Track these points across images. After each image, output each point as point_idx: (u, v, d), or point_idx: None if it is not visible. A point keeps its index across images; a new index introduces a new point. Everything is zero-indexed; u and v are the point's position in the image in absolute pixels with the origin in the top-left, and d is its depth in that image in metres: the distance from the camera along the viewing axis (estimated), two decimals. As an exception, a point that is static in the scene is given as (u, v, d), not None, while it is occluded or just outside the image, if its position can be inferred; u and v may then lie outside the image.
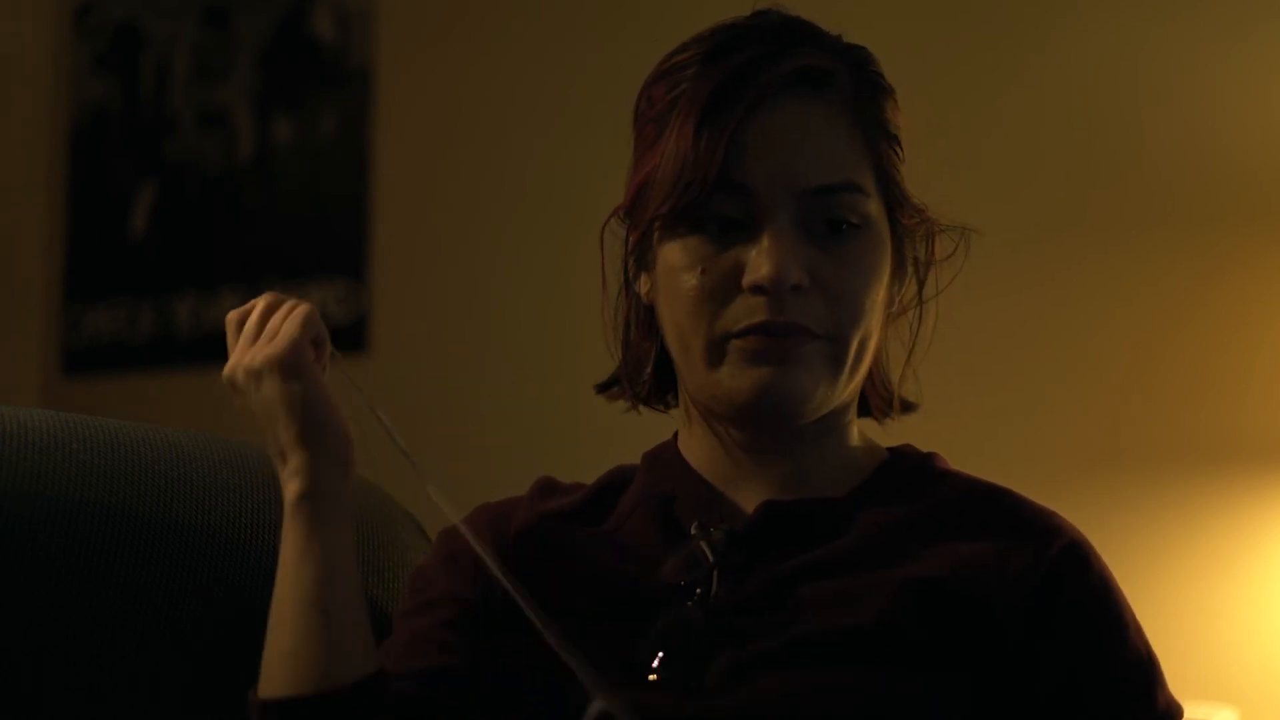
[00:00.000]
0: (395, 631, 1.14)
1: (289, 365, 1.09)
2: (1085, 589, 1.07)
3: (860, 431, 1.18)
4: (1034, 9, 2.38)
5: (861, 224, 1.09)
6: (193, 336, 3.14)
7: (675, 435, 1.20)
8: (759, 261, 1.06)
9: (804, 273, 1.06)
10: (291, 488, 1.08)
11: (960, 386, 2.26)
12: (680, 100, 1.09)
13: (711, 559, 1.09)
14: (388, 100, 2.99)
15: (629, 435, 1.24)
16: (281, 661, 1.05)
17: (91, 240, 3.31)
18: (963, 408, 2.23)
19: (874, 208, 1.10)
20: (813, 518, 1.11)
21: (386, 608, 1.23)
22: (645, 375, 1.18)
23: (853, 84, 1.12)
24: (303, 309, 1.11)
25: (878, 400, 1.19)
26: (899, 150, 1.14)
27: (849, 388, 1.11)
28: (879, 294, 1.11)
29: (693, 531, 1.11)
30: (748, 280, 1.06)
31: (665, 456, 1.18)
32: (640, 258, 1.15)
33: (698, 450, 1.16)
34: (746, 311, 1.07)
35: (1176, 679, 1.09)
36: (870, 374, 1.16)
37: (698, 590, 1.08)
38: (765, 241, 1.06)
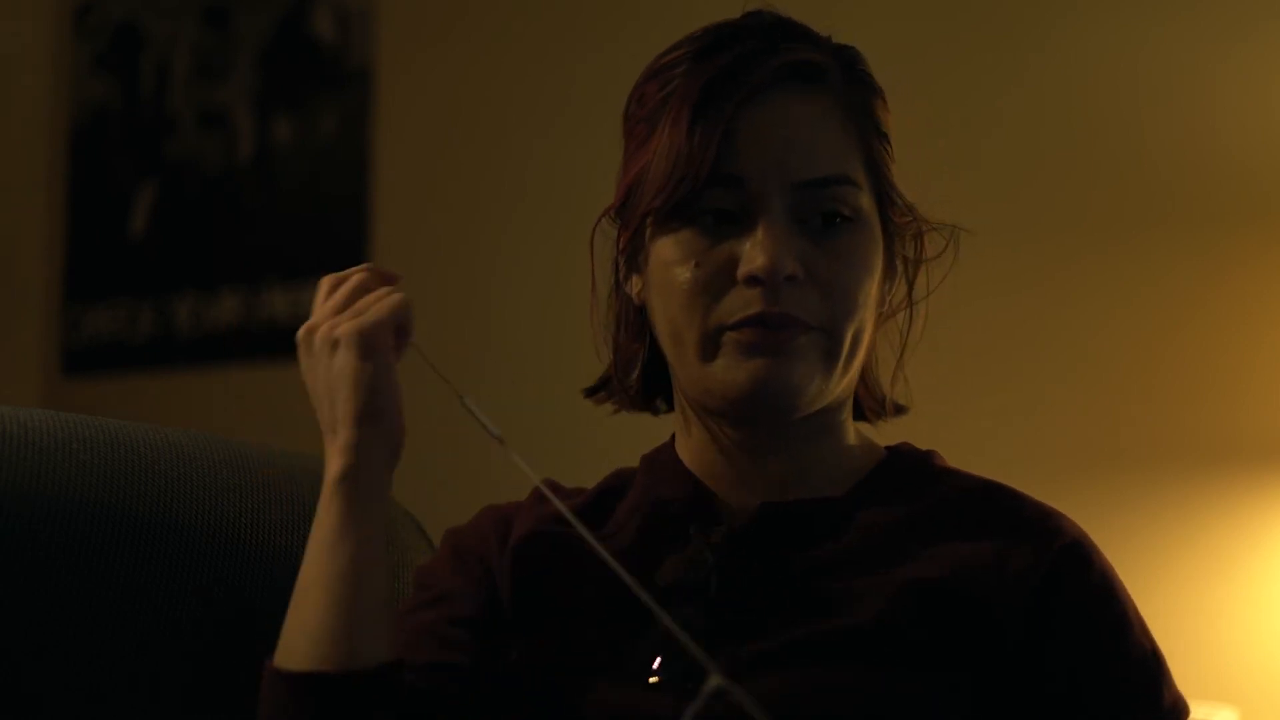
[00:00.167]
0: (400, 626, 1.14)
1: (368, 344, 1.07)
2: (1087, 588, 1.07)
3: (857, 430, 1.18)
4: (1034, 9, 2.38)
5: (854, 217, 1.10)
6: (193, 336, 3.14)
7: (672, 438, 1.20)
8: (754, 253, 1.06)
9: (798, 264, 1.06)
10: (336, 464, 1.07)
11: (960, 386, 2.27)
12: (672, 97, 1.09)
13: (710, 560, 1.09)
14: (388, 100, 2.99)
15: (629, 436, 1.24)
16: (305, 636, 1.04)
17: (91, 240, 3.31)
18: (963, 408, 2.23)
19: (866, 202, 1.11)
20: (811, 517, 1.11)
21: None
22: (634, 377, 1.18)
23: (844, 80, 1.12)
24: (397, 296, 1.10)
25: (870, 402, 1.19)
26: (889, 149, 1.14)
27: (843, 382, 1.11)
28: (872, 288, 1.11)
29: (691, 533, 1.12)
30: (743, 272, 1.06)
31: (663, 459, 1.18)
32: (631, 258, 1.15)
33: (695, 452, 1.16)
34: (741, 304, 1.07)
35: (1177, 679, 1.09)
36: (862, 375, 1.16)
37: (697, 591, 1.08)
38: (759, 234, 1.06)
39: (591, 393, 1.21)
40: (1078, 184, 2.32)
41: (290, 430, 2.88)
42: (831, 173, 1.09)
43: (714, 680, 0.90)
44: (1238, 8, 2.23)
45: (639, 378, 1.18)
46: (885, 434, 1.20)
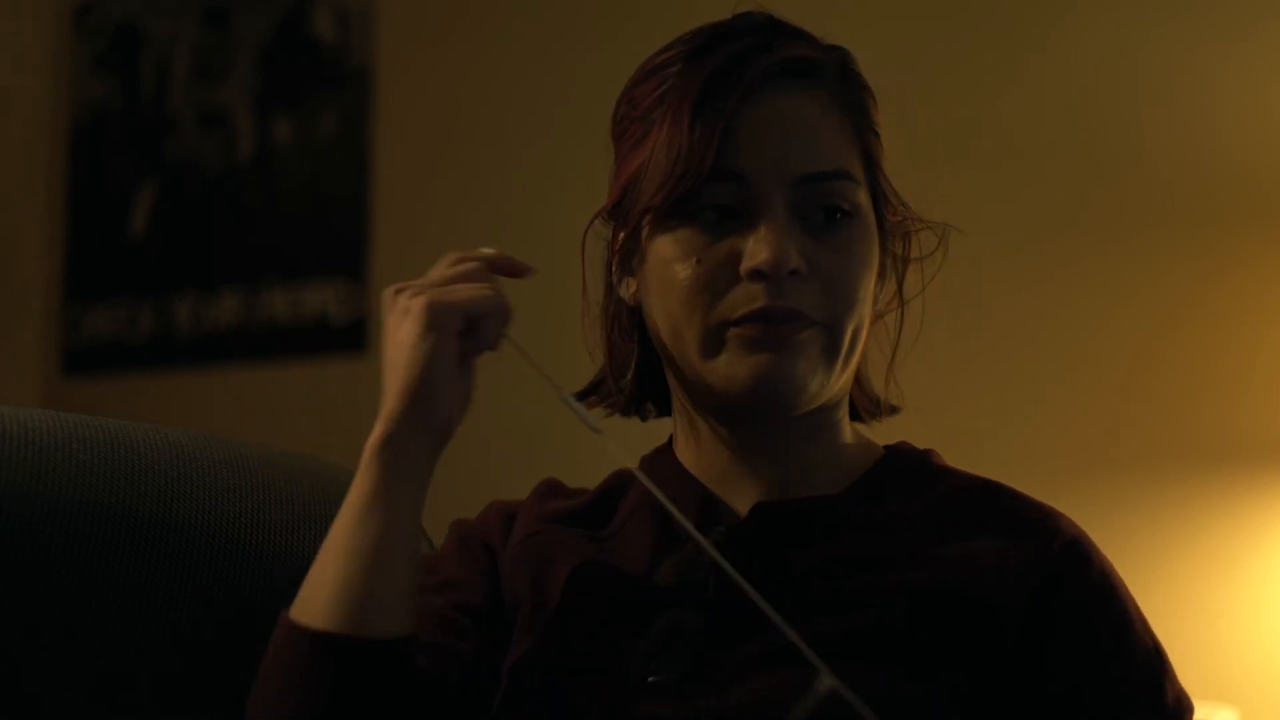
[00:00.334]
0: None
1: (432, 321, 1.05)
2: (1087, 587, 1.07)
3: (855, 430, 1.18)
4: (1034, 9, 2.38)
5: (853, 212, 1.10)
6: (193, 336, 3.14)
7: (670, 439, 1.20)
8: (757, 248, 1.06)
9: (801, 259, 1.07)
10: (377, 430, 1.07)
11: (960, 386, 2.27)
12: (669, 95, 1.09)
13: (708, 561, 1.09)
14: (388, 100, 2.99)
15: (628, 437, 1.24)
16: (326, 595, 1.04)
17: (91, 240, 3.31)
18: (963, 408, 2.23)
19: (863, 198, 1.11)
20: (809, 517, 1.11)
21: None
22: (627, 379, 1.18)
23: (838, 78, 1.13)
24: (481, 288, 1.08)
25: (864, 402, 1.20)
26: (881, 147, 1.15)
27: (842, 379, 1.12)
28: (870, 283, 1.11)
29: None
30: (746, 266, 1.06)
31: (661, 460, 1.18)
32: (625, 259, 1.15)
33: (693, 453, 1.16)
34: (745, 299, 1.07)
35: (1177, 679, 1.09)
36: (856, 375, 1.16)
37: (695, 592, 1.08)
38: (762, 229, 1.07)
39: (583, 396, 1.20)
40: (1078, 184, 2.32)
41: (290, 430, 2.89)
42: (831, 167, 1.09)
43: (826, 681, 0.91)
44: (1238, 8, 2.23)
45: (633, 380, 1.18)
46: (884, 433, 1.20)
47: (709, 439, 1.14)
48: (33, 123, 3.37)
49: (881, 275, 1.15)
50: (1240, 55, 2.21)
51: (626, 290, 1.16)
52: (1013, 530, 1.09)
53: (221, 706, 1.16)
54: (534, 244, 2.76)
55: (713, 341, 1.08)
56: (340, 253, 3.00)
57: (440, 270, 1.10)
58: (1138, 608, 1.09)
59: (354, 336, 2.97)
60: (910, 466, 1.16)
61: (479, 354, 1.09)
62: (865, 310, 1.11)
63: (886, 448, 1.18)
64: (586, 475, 1.25)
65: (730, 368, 1.08)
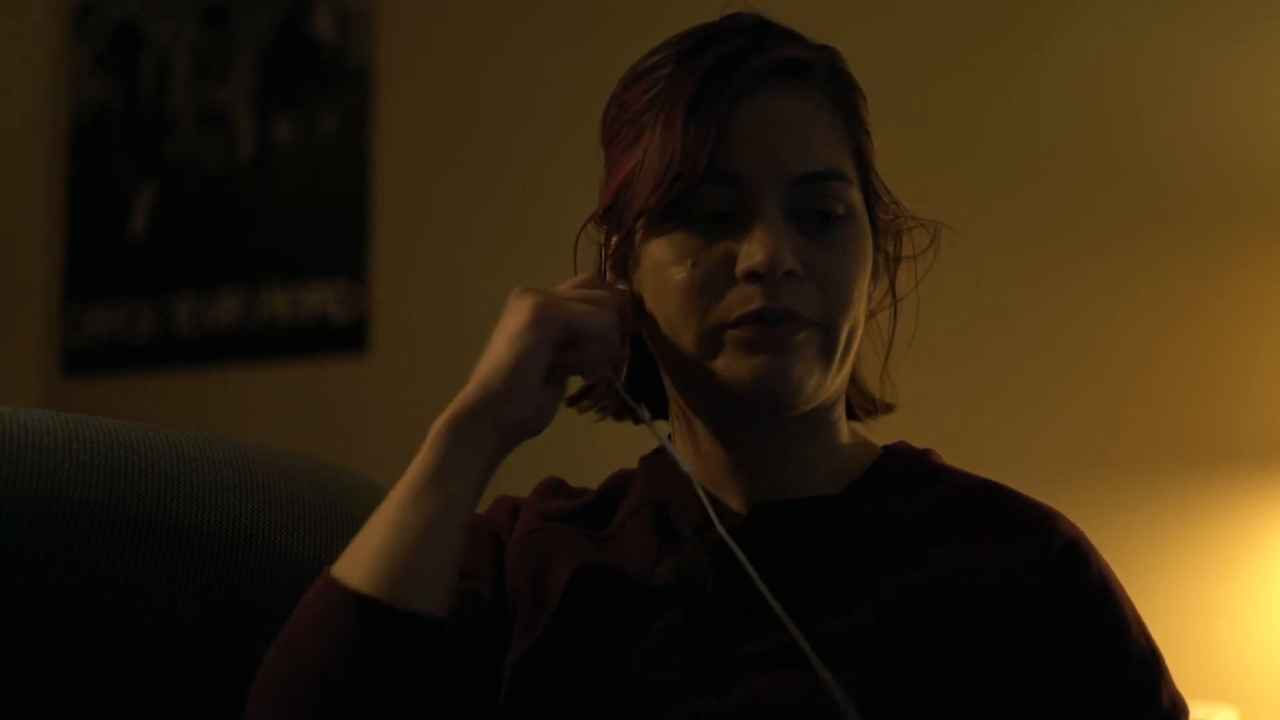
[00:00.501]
0: None
1: (535, 320, 1.07)
2: (1085, 588, 1.07)
3: (853, 430, 1.18)
4: (1034, 9, 2.38)
5: (848, 213, 1.10)
6: (193, 336, 3.14)
7: (669, 439, 1.20)
8: (752, 249, 1.06)
9: (797, 260, 1.06)
10: (448, 410, 1.08)
11: (960, 386, 2.27)
12: (660, 97, 1.09)
13: (706, 561, 1.09)
14: (388, 100, 2.99)
15: (628, 437, 1.24)
16: (372, 561, 1.04)
17: (91, 240, 3.31)
18: (962, 408, 2.23)
19: (856, 197, 1.11)
20: (808, 516, 1.11)
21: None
22: (621, 382, 1.18)
23: (829, 77, 1.12)
24: (601, 318, 1.09)
25: (860, 400, 1.20)
26: (873, 146, 1.15)
27: (839, 378, 1.12)
28: (865, 283, 1.11)
29: (687, 534, 1.12)
30: (742, 268, 1.06)
31: (661, 460, 1.18)
32: (619, 263, 1.15)
33: (691, 454, 1.16)
34: (741, 300, 1.07)
35: (1176, 679, 1.08)
36: (851, 374, 1.16)
37: (694, 592, 1.08)
38: (757, 230, 1.06)
39: (575, 401, 1.20)
40: (1078, 184, 2.32)
41: (290, 430, 2.89)
42: (825, 168, 1.09)
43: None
44: (1238, 8, 2.23)
45: (625, 383, 1.18)
46: (885, 434, 1.20)
47: (707, 440, 1.14)
48: (33, 123, 3.37)
49: (875, 274, 1.15)
50: (1240, 55, 2.21)
51: None
52: (1012, 530, 1.09)
53: (221, 706, 1.16)
54: (533, 244, 2.77)
55: (710, 344, 1.08)
56: (340, 253, 3.00)
57: (570, 282, 1.12)
58: (1135, 610, 1.09)
59: (354, 336, 2.97)
60: (909, 466, 1.16)
61: (571, 374, 1.11)
62: (860, 310, 1.11)
63: (885, 448, 1.18)
64: (588, 475, 1.25)
65: (728, 370, 1.08)
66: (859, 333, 1.12)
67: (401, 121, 2.97)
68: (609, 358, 1.12)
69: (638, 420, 1.20)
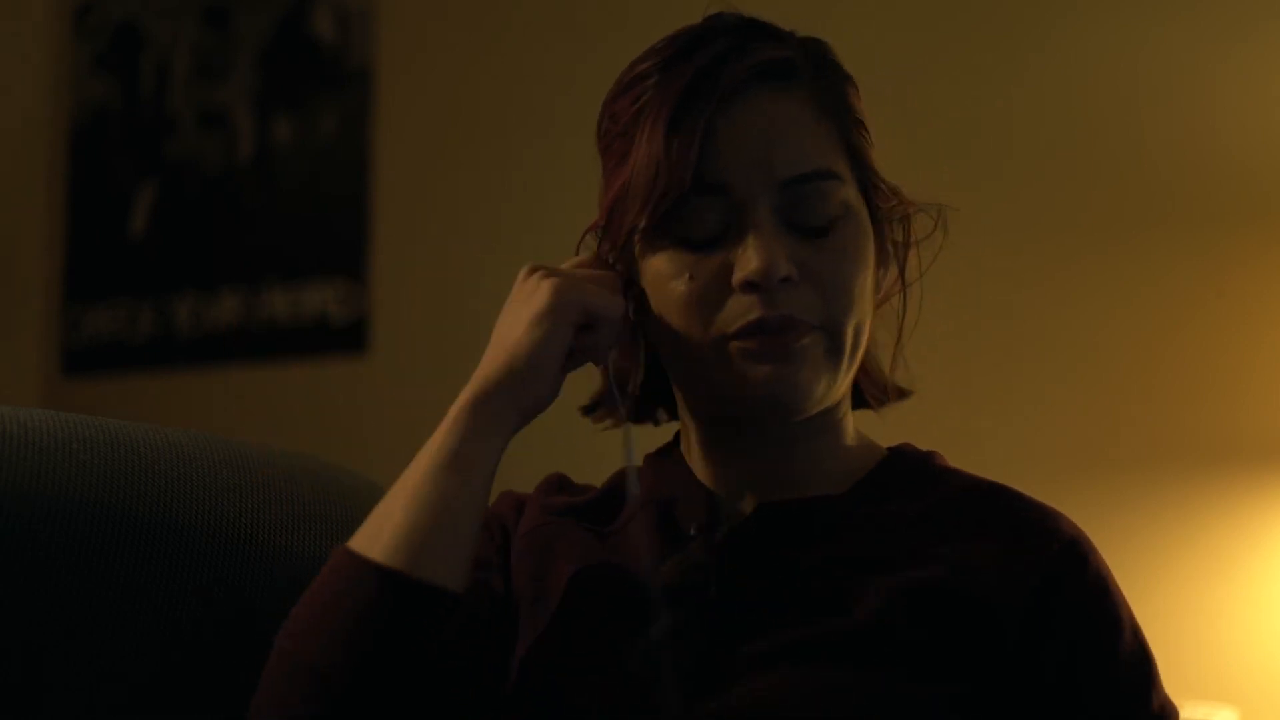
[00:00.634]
0: None
1: (557, 304, 1.08)
2: (1084, 588, 1.07)
3: (858, 432, 1.18)
4: (1034, 9, 2.38)
5: (842, 213, 1.09)
6: (193, 336, 3.14)
7: (676, 437, 1.20)
8: (746, 258, 1.06)
9: (792, 265, 1.06)
10: (469, 390, 1.09)
11: (960, 386, 2.27)
12: (645, 110, 1.09)
13: (709, 561, 1.09)
14: (388, 100, 2.99)
15: (638, 438, 1.24)
16: (391, 536, 1.05)
17: (91, 240, 3.31)
18: (962, 407, 2.23)
19: (851, 194, 1.10)
20: (811, 516, 1.11)
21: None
22: (632, 390, 1.18)
23: (814, 74, 1.11)
24: (618, 304, 1.11)
25: (872, 389, 1.19)
26: (867, 136, 1.14)
27: (848, 379, 1.11)
28: (868, 280, 1.10)
29: (691, 533, 1.12)
30: (737, 278, 1.06)
31: (667, 459, 1.19)
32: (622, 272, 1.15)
33: (697, 454, 1.16)
34: (740, 310, 1.06)
35: (1176, 679, 1.08)
36: (862, 364, 1.16)
37: (696, 592, 1.08)
38: (750, 238, 1.06)
39: (589, 411, 1.21)
40: (1078, 184, 2.32)
41: (290, 430, 2.89)
42: (814, 168, 1.08)
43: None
44: (1238, 8, 2.23)
45: (637, 390, 1.18)
46: (886, 435, 1.20)
47: (713, 442, 1.15)
48: (33, 123, 3.37)
49: (883, 263, 1.15)
50: (1240, 55, 2.21)
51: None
52: (1013, 531, 1.09)
53: (221, 706, 1.16)
54: (533, 244, 2.77)
55: (715, 356, 1.08)
56: (340, 253, 3.00)
57: (573, 262, 1.13)
58: (1131, 614, 1.09)
59: (354, 336, 2.97)
60: (913, 468, 1.15)
61: (583, 362, 1.12)
62: (865, 307, 1.10)
63: (890, 449, 1.18)
64: (590, 473, 1.25)
65: (736, 381, 1.07)
66: (866, 329, 1.11)
67: (401, 121, 2.97)
68: (617, 343, 1.13)
69: (657, 422, 1.20)
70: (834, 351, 1.08)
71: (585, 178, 1.19)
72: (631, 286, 1.13)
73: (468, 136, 2.89)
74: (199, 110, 3.22)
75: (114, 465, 1.20)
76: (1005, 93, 2.38)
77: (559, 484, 1.23)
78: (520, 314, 1.10)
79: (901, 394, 1.20)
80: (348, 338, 2.97)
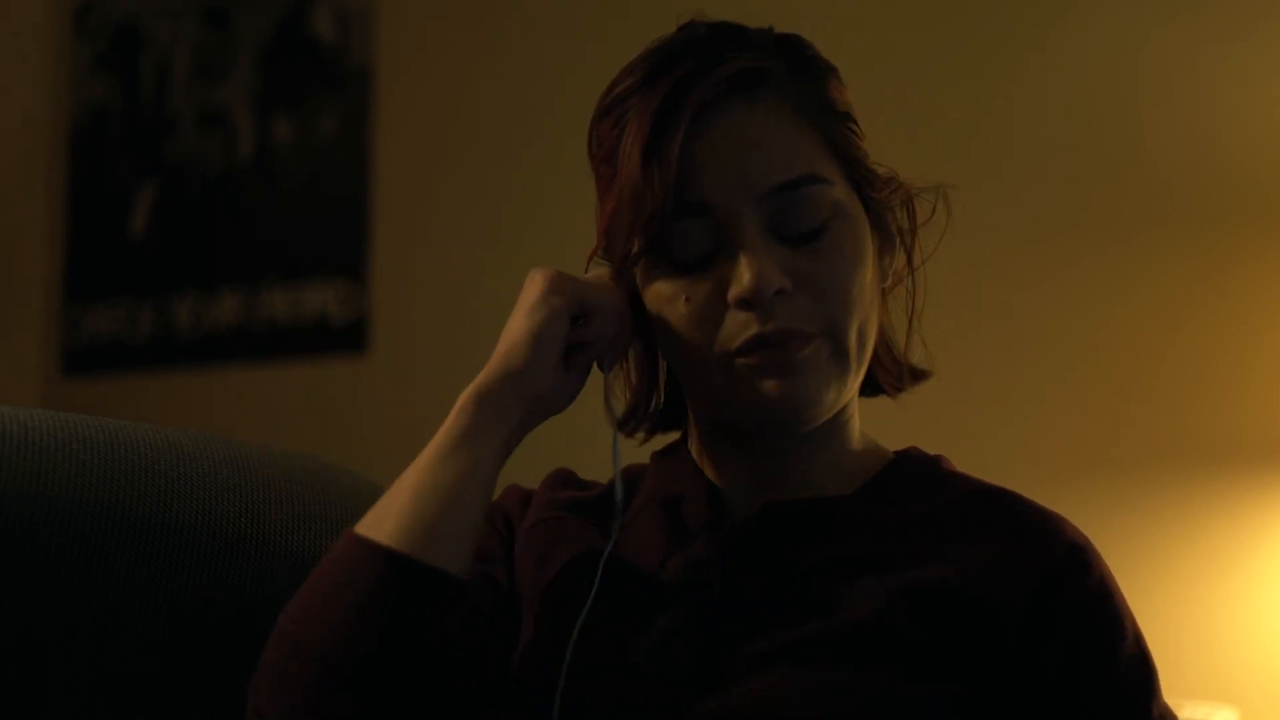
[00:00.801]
0: None
1: (549, 290, 1.10)
2: (1085, 591, 1.07)
3: (864, 434, 1.18)
4: (1034, 9, 2.38)
5: (832, 213, 1.08)
6: (193, 336, 3.14)
7: (684, 435, 1.20)
8: (738, 275, 1.06)
9: (784, 277, 1.06)
10: (475, 381, 1.10)
11: (960, 386, 2.26)
12: (624, 135, 1.09)
13: (714, 559, 1.09)
14: (388, 100, 2.99)
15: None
16: (398, 520, 1.05)
17: (91, 240, 3.31)
18: (962, 407, 2.23)
19: (840, 193, 1.09)
20: (815, 517, 1.11)
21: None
22: (656, 404, 1.19)
23: (789, 76, 1.10)
24: (613, 294, 1.12)
25: (886, 375, 1.18)
26: (855, 127, 1.13)
27: (858, 380, 1.11)
28: (866, 278, 1.10)
29: (696, 531, 1.12)
30: (731, 296, 1.06)
31: (673, 457, 1.19)
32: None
33: (703, 454, 1.16)
34: (739, 328, 1.06)
35: (1176, 679, 1.08)
36: (875, 350, 1.15)
37: (700, 590, 1.08)
38: (740, 255, 1.06)
39: (624, 426, 1.21)
40: (1078, 184, 2.32)
41: (290, 430, 2.89)
42: (795, 175, 1.07)
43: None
44: (1238, 8, 2.23)
45: (662, 403, 1.19)
46: (888, 433, 1.20)
47: (719, 445, 1.15)
48: (33, 123, 3.37)
49: (888, 251, 1.14)
50: (1240, 55, 2.21)
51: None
52: (1016, 533, 1.08)
53: (221, 706, 1.16)
54: (533, 244, 2.77)
55: (723, 374, 1.08)
56: (340, 253, 3.00)
57: (597, 283, 1.14)
58: (1133, 619, 1.08)
59: (354, 336, 2.97)
60: (919, 472, 1.15)
61: (589, 361, 1.13)
62: (867, 306, 1.10)
63: (896, 453, 1.18)
64: (594, 472, 1.25)
65: (745, 397, 1.08)
66: (871, 327, 1.11)
67: (401, 121, 2.97)
68: (616, 336, 1.13)
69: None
70: (839, 355, 1.08)
71: (585, 178, 1.19)
72: (640, 308, 1.13)
73: (468, 136, 2.89)
74: (199, 110, 3.22)
75: (114, 465, 1.20)
76: (1005, 92, 2.38)
77: (565, 479, 1.24)
78: (519, 308, 1.11)
79: (917, 377, 1.19)
80: (348, 338, 2.97)
